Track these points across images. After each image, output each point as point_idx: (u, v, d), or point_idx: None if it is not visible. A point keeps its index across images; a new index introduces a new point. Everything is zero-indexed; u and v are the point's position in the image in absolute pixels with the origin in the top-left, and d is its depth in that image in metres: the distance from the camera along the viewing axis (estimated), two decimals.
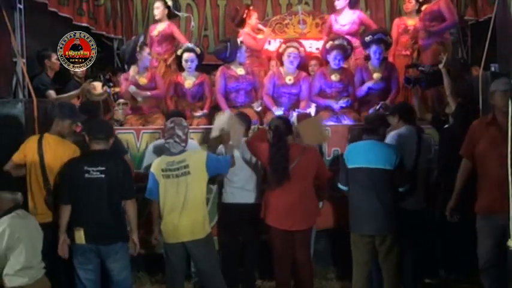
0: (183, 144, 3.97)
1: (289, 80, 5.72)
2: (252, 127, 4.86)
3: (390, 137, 4.40)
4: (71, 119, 4.20)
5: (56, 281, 3.60)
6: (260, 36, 6.74)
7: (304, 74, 5.85)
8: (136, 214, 3.85)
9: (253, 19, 6.67)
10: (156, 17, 6.63)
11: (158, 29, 6.56)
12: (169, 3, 6.58)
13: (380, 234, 4.01)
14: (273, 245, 4.18)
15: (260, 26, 6.85)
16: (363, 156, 4.02)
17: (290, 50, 5.73)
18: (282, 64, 5.92)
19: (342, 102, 5.55)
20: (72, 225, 3.73)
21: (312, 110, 5.69)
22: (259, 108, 5.67)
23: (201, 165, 3.91)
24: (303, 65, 6.21)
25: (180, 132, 3.95)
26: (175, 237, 3.91)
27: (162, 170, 3.91)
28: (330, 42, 5.81)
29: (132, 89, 5.49)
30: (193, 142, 4.68)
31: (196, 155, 4.01)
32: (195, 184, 3.90)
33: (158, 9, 6.56)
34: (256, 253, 4.58)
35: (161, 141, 4.54)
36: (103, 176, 3.68)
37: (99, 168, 3.68)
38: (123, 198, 3.77)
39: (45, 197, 4.01)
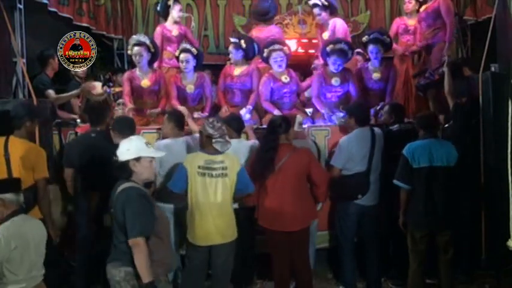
0: (230, 145, 3.93)
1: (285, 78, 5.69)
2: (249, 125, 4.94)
3: (342, 140, 4.47)
4: (29, 119, 4.07)
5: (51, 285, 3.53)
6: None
7: (292, 72, 5.79)
8: None
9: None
10: (178, 19, 6.47)
11: (177, 29, 6.47)
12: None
13: (441, 230, 4.12)
14: (269, 245, 4.15)
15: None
16: (427, 155, 4.07)
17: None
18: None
19: (336, 117, 5.41)
20: None
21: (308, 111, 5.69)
22: (248, 115, 5.52)
23: (235, 171, 3.87)
24: (305, 65, 6.19)
25: (227, 133, 3.96)
26: (207, 240, 3.83)
27: (199, 167, 3.81)
28: (331, 46, 5.62)
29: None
30: (243, 141, 4.57)
31: (233, 160, 3.92)
32: (229, 187, 3.85)
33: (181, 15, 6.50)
34: (255, 253, 4.57)
35: (166, 141, 4.49)
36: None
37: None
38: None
39: None
